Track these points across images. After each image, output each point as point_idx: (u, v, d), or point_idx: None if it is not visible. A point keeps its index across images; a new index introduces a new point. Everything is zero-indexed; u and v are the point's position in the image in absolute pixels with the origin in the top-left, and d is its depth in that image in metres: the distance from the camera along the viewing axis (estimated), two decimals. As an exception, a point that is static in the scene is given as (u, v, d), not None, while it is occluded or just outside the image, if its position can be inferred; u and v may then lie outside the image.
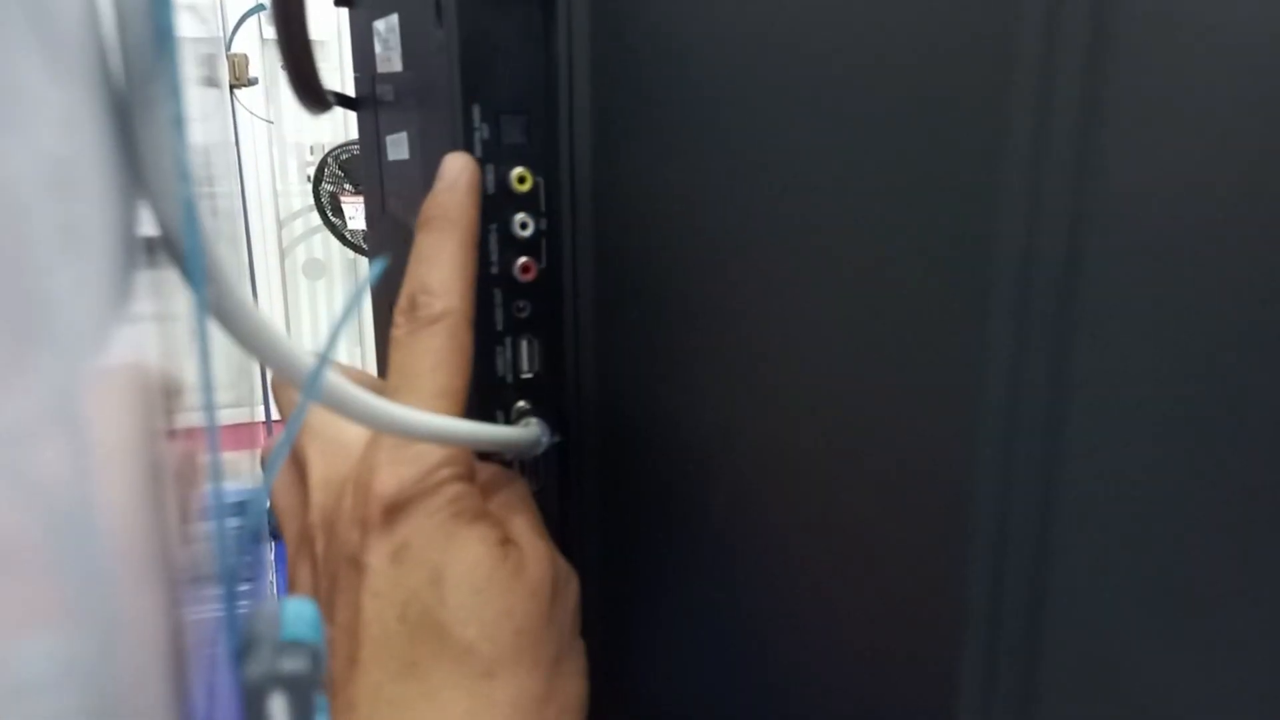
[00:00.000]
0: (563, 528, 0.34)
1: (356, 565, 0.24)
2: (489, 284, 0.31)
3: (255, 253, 1.98)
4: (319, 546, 0.26)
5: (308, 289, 2.10)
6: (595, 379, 0.32)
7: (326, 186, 2.03)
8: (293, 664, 0.13)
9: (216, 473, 0.16)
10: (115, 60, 0.11)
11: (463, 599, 0.24)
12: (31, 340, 0.13)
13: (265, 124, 1.76)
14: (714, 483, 0.26)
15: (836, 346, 0.20)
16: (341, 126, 2.03)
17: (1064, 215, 0.14)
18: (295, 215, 2.07)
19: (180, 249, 0.13)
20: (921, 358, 0.17)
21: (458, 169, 0.28)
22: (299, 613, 0.14)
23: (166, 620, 0.17)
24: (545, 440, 0.30)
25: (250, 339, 0.15)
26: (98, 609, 0.13)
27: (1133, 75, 0.14)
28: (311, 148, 2.05)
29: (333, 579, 0.25)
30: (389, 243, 0.43)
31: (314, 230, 2.06)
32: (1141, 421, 0.14)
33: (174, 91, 0.11)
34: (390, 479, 0.25)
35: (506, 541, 0.26)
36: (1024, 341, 0.15)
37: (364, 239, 1.85)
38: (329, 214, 1.95)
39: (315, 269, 2.09)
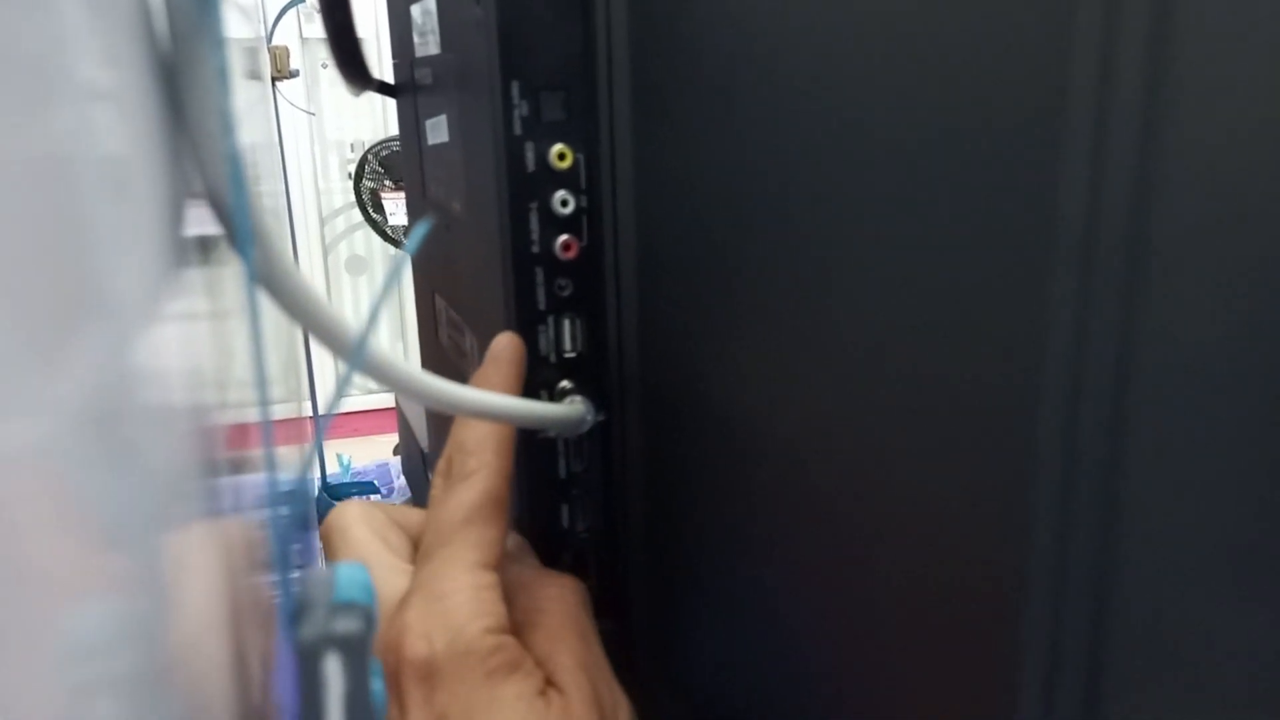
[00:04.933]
0: (607, 507, 0.34)
1: None
2: (530, 263, 0.31)
3: (299, 249, 2.01)
4: None
5: (350, 285, 2.13)
6: (638, 357, 0.32)
7: (367, 183, 2.05)
8: (346, 625, 0.13)
9: (271, 461, 0.16)
10: (160, 18, 0.11)
11: None
12: (82, 312, 0.13)
13: (306, 116, 1.78)
14: (760, 459, 0.26)
15: (888, 320, 0.19)
16: (381, 123, 2.04)
17: (1126, 193, 0.14)
18: (337, 212, 2.09)
19: (226, 209, 0.13)
20: (982, 323, 0.17)
21: (503, 344, 0.29)
22: (352, 577, 0.14)
23: (225, 588, 0.17)
24: (590, 419, 0.30)
25: (296, 306, 0.15)
26: (154, 573, 0.13)
27: (1195, 56, 0.13)
28: (352, 145, 2.07)
29: None
30: (431, 230, 0.43)
31: (355, 227, 2.08)
32: (1209, 403, 0.14)
33: (218, 45, 0.11)
34: (420, 642, 0.24)
35: (547, 688, 0.25)
36: (1089, 298, 0.15)
37: (404, 234, 1.87)
38: (370, 210, 1.96)
39: (358, 265, 2.12)
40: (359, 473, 1.03)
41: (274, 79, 1.50)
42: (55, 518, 0.12)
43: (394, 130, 1.94)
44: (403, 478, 0.96)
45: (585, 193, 0.30)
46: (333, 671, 0.12)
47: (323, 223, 2.08)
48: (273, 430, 0.16)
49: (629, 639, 0.34)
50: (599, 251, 0.31)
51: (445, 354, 0.45)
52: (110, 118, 0.12)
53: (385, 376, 0.19)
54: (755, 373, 0.25)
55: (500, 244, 0.31)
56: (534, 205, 0.30)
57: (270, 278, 0.15)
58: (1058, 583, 0.16)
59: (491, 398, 0.24)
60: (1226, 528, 0.14)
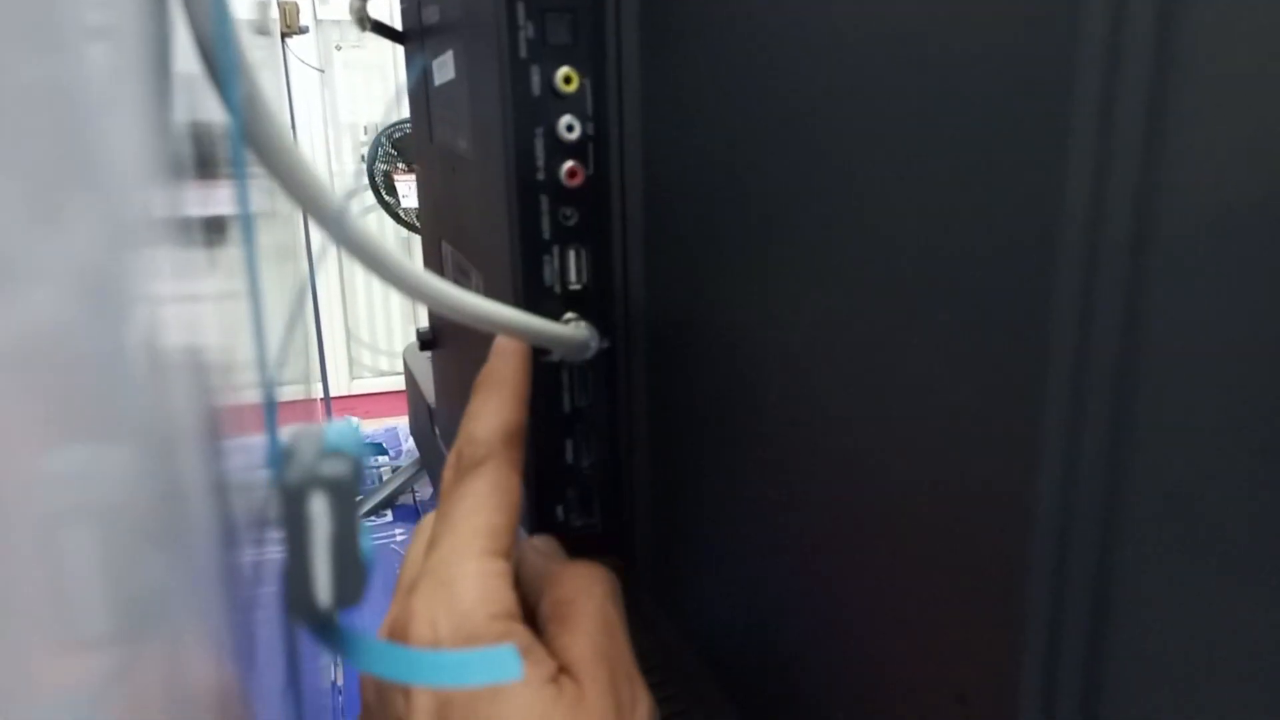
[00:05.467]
0: (612, 443, 0.33)
1: None
2: (535, 190, 0.30)
3: (312, 232, 2.01)
4: (371, 703, 0.25)
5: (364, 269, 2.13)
6: (644, 289, 0.32)
7: (380, 165, 2.05)
8: (333, 467, 0.12)
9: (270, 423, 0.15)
10: None
11: None
12: (80, 176, 0.13)
13: (320, 95, 1.78)
14: (767, 391, 0.25)
15: (900, 246, 0.19)
16: (394, 106, 2.04)
17: (1131, 189, 0.14)
18: (350, 195, 2.09)
19: (213, 55, 0.13)
20: (992, 235, 0.16)
21: (508, 341, 0.29)
22: (340, 430, 0.13)
23: (214, 459, 0.16)
24: (594, 345, 0.30)
25: (282, 169, 0.15)
26: (141, 423, 0.13)
27: (1199, 62, 0.13)
28: (365, 128, 2.07)
29: None
30: (437, 174, 0.43)
31: (368, 209, 2.09)
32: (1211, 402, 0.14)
33: None
34: (425, 628, 0.24)
35: (560, 675, 0.24)
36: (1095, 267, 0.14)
37: (416, 216, 1.87)
38: (382, 193, 1.96)
39: (370, 248, 2.12)
40: (367, 436, 1.03)
41: (283, 35, 1.49)
42: (50, 369, 0.12)
43: (406, 114, 1.94)
44: (411, 440, 0.96)
45: (592, 119, 0.30)
46: (318, 512, 0.12)
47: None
48: (276, 411, 0.16)
49: (634, 575, 0.34)
50: (605, 180, 0.31)
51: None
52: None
53: (362, 253, 0.19)
54: (764, 303, 0.25)
55: (505, 171, 0.30)
56: (539, 131, 0.30)
57: (258, 139, 0.15)
58: (1065, 502, 0.16)
59: (496, 306, 0.24)
60: (1228, 517, 0.13)
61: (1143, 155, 0.14)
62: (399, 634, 0.25)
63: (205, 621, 0.15)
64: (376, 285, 2.14)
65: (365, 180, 1.98)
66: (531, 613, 0.27)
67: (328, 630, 0.14)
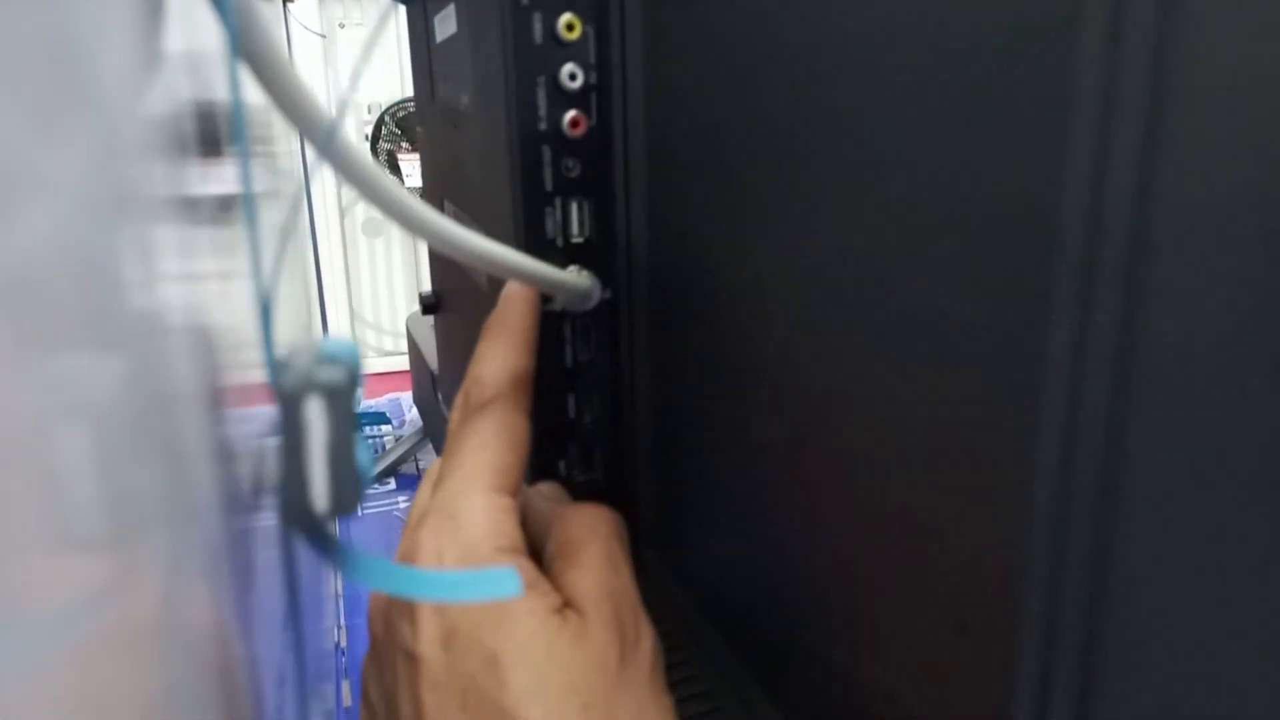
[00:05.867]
0: (614, 398, 0.33)
1: (410, 657, 0.24)
2: (537, 141, 0.30)
3: (316, 212, 2.01)
4: (379, 635, 0.25)
5: (367, 246, 2.13)
6: (647, 242, 0.31)
7: (384, 144, 2.04)
8: (329, 373, 0.12)
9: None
10: None
11: (522, 679, 0.22)
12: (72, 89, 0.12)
13: (318, 37, 1.76)
14: (772, 347, 0.25)
15: (910, 202, 0.19)
16: (398, 85, 2.04)
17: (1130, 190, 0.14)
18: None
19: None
20: (1002, 186, 0.16)
21: (516, 287, 0.29)
22: (338, 340, 0.13)
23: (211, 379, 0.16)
24: (596, 294, 0.30)
25: (275, 84, 0.15)
26: (140, 332, 0.13)
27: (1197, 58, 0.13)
28: (369, 107, 2.06)
29: (393, 672, 0.24)
30: (439, 133, 0.43)
31: (372, 189, 2.08)
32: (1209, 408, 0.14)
33: None
34: (431, 559, 0.24)
35: (564, 608, 0.24)
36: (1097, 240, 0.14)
37: (420, 195, 1.87)
38: (387, 173, 1.96)
39: (374, 227, 2.12)
40: (370, 406, 1.03)
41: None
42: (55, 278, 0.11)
43: (410, 92, 1.93)
44: (414, 409, 0.96)
45: (595, 68, 0.30)
46: (314, 415, 0.12)
47: (339, 185, 2.08)
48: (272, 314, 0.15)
49: (635, 530, 0.34)
50: (608, 130, 0.31)
51: (454, 266, 0.44)
52: None
53: (350, 172, 0.18)
54: (769, 254, 0.25)
55: (506, 122, 0.30)
56: (541, 79, 0.29)
57: (251, 49, 0.14)
58: (1070, 423, 0.16)
59: (495, 245, 0.24)
60: (1226, 522, 0.13)
61: (1140, 154, 0.14)
62: (406, 563, 0.25)
63: (201, 539, 0.14)
64: (380, 265, 2.14)
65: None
66: (538, 555, 0.27)
67: (324, 541, 0.14)
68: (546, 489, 0.31)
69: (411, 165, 1.97)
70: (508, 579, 0.21)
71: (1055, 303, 0.15)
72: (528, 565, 0.25)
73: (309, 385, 0.12)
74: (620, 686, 0.24)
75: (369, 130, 2.05)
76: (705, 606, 0.31)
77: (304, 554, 0.17)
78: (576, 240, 0.31)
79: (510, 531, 0.25)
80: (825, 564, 0.24)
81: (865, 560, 0.22)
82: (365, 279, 2.13)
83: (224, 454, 0.16)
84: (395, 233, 2.13)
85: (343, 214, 2.09)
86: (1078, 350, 0.15)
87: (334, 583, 0.66)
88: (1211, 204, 0.13)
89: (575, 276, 0.29)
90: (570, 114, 0.30)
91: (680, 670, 0.30)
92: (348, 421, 0.12)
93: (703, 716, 0.28)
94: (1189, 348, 0.14)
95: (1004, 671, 0.17)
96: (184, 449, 0.14)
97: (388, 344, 2.12)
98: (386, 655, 0.25)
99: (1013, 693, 0.17)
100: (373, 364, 2.05)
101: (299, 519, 0.13)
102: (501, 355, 0.28)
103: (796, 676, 0.26)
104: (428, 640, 0.23)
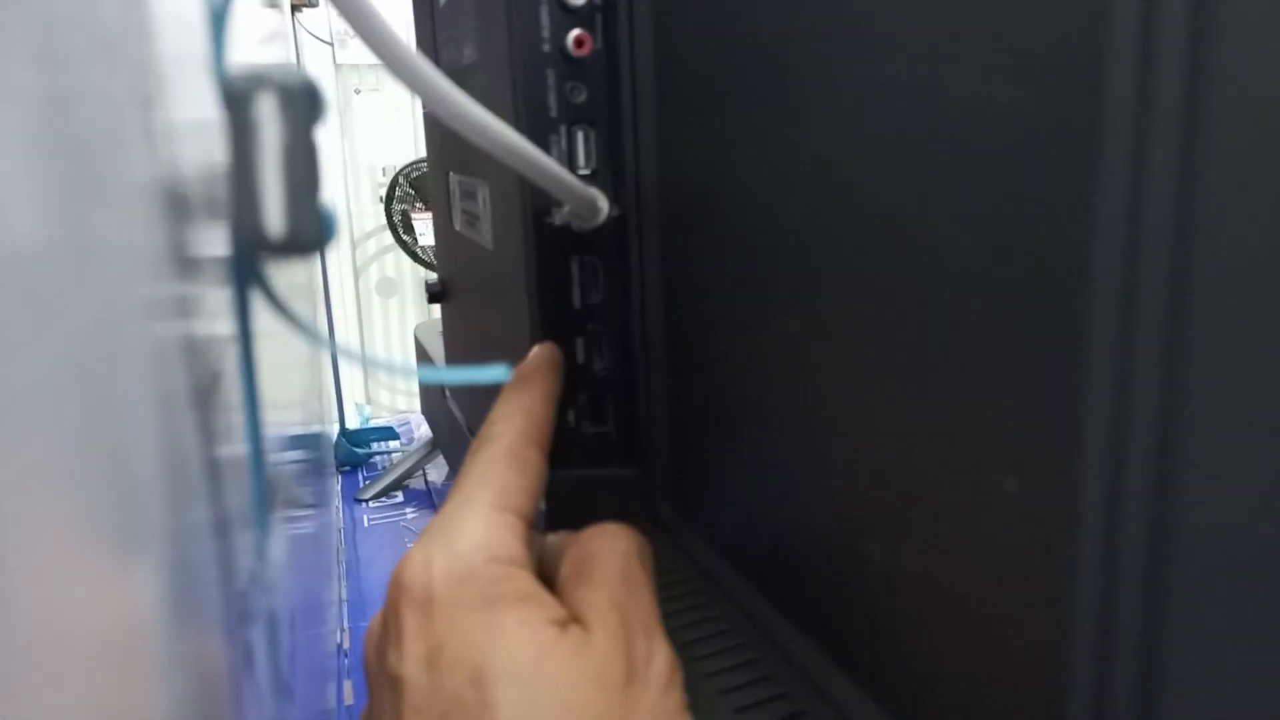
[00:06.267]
0: (625, 342, 0.31)
1: (394, 682, 0.22)
2: (540, 64, 0.29)
3: (330, 273, 2.02)
4: (372, 668, 0.24)
5: (381, 307, 2.13)
6: (656, 172, 0.30)
7: (398, 205, 2.06)
8: (285, 75, 0.10)
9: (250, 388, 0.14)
10: None
11: (509, 695, 0.20)
12: None
13: (327, 46, 1.78)
14: (790, 282, 0.23)
15: (928, 125, 0.17)
16: (411, 148, 2.06)
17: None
18: (368, 235, 2.10)
19: None
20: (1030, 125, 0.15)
21: (540, 349, 0.29)
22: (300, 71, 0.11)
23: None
24: (604, 208, 0.28)
25: None
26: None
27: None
28: (384, 169, 2.09)
29: (380, 704, 0.22)
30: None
31: (386, 249, 2.09)
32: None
33: None
34: (417, 569, 0.22)
35: (567, 622, 0.22)
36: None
37: (433, 254, 1.87)
38: (400, 232, 1.97)
39: (388, 287, 2.12)
40: (377, 423, 1.01)
41: (293, 7, 1.49)
42: None
43: (424, 153, 1.95)
44: (423, 427, 0.94)
45: (599, -16, 0.29)
46: (268, 117, 0.10)
47: (354, 246, 2.10)
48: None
49: (649, 483, 0.31)
50: (614, 52, 0.29)
51: (460, 240, 0.43)
52: None
53: (349, 12, 0.17)
54: (786, 181, 0.23)
55: (509, 43, 0.29)
56: (544, -5, 0.28)
57: None
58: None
59: (502, 126, 0.22)
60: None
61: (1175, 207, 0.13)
62: (393, 582, 0.23)
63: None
64: (395, 325, 2.14)
65: (383, 220, 1.99)
66: (553, 585, 0.25)
67: (276, 293, 0.12)
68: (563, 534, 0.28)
69: (425, 224, 1.98)
70: (498, 370, 0.19)
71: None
72: (524, 577, 0.23)
73: (262, 83, 0.10)
74: (625, 707, 0.21)
75: (383, 192, 2.07)
76: (730, 555, 0.28)
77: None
78: (583, 173, 0.30)
79: (508, 545, 0.23)
80: (851, 521, 0.22)
81: (895, 519, 0.20)
82: (379, 339, 2.13)
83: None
84: (409, 292, 2.13)
85: (357, 275, 2.10)
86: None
87: (338, 589, 0.64)
88: None
89: (585, 186, 0.27)
90: (575, 33, 0.28)
91: (706, 627, 0.27)
92: (306, 138, 0.11)
93: (737, 669, 0.25)
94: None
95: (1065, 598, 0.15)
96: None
97: (401, 403, 2.10)
98: (375, 688, 0.23)
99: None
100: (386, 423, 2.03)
101: (255, 247, 0.11)
102: (515, 404, 0.27)
103: (831, 612, 0.23)
104: (411, 660, 0.21)
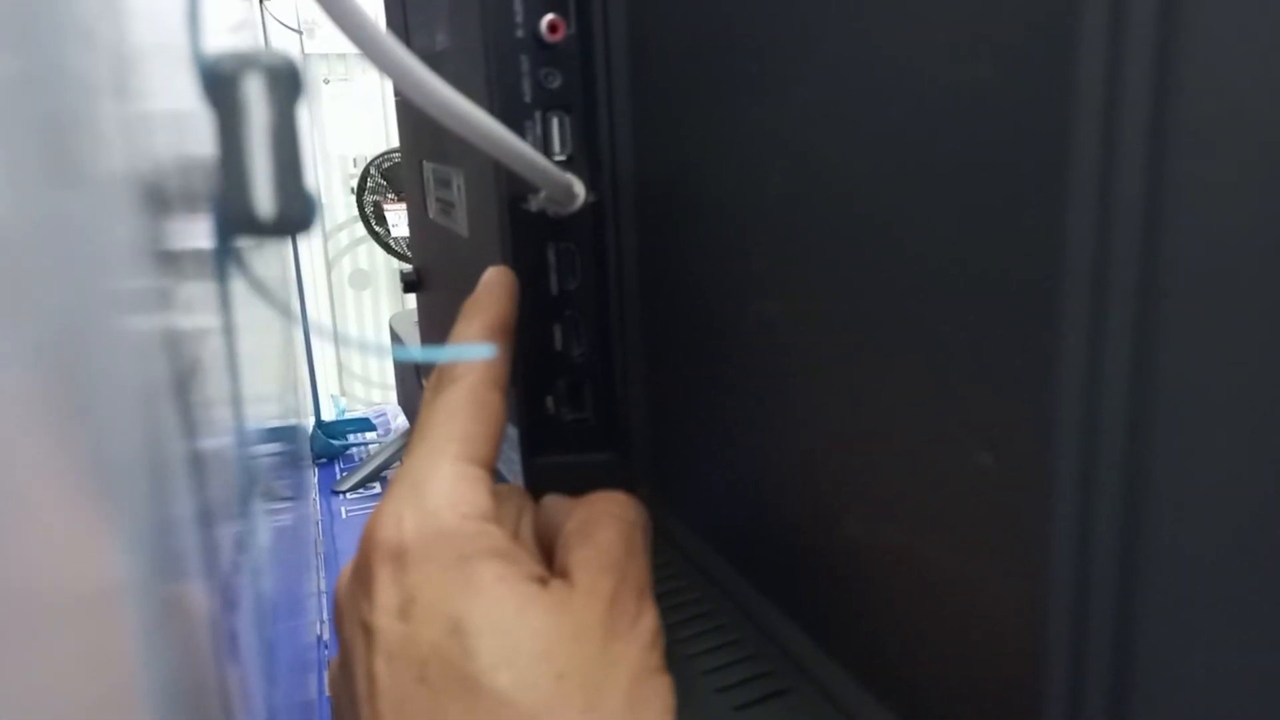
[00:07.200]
0: (602, 328, 0.31)
1: (365, 630, 0.22)
2: (514, 49, 0.29)
3: (302, 265, 2.00)
4: (343, 622, 0.24)
5: (354, 299, 2.12)
6: (633, 159, 0.30)
7: (369, 196, 2.05)
8: (271, 57, 0.10)
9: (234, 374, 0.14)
10: None
11: (489, 644, 0.20)
12: None
13: (295, 34, 1.75)
14: (766, 263, 0.23)
15: (907, 103, 0.17)
16: (383, 137, 2.05)
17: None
18: (340, 227, 2.09)
19: None
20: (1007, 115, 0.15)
21: (495, 272, 0.29)
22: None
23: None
24: (580, 194, 0.28)
25: None
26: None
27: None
28: (354, 160, 2.07)
29: (351, 653, 0.22)
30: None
31: (359, 241, 2.08)
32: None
33: None
34: (389, 524, 0.22)
35: (544, 578, 0.22)
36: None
37: (406, 246, 1.86)
38: (372, 223, 1.96)
39: (361, 279, 2.11)
40: (354, 413, 1.01)
41: None
42: None
43: (395, 143, 1.94)
44: (399, 418, 0.94)
45: (572, -32, 0.29)
46: (255, 98, 0.10)
47: (325, 238, 2.08)
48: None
49: (628, 468, 0.31)
50: (589, 36, 0.29)
51: (435, 228, 0.42)
52: None
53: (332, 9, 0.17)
54: (760, 167, 0.23)
55: (481, 27, 0.29)
56: (516, -21, 0.28)
57: None
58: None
59: (477, 110, 0.22)
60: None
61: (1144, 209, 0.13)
62: (365, 537, 0.23)
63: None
64: (369, 317, 2.12)
65: (355, 211, 1.98)
66: (549, 550, 0.25)
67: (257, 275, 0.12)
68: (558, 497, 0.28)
69: (398, 215, 1.97)
70: (480, 348, 0.19)
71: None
72: (498, 534, 0.23)
73: (248, 64, 0.10)
74: (605, 661, 0.21)
75: (354, 183, 2.05)
76: (711, 538, 0.29)
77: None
78: (559, 159, 0.30)
79: (478, 500, 0.23)
80: (828, 500, 0.22)
81: (872, 499, 0.20)
82: (353, 331, 2.11)
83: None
84: (382, 284, 2.12)
85: (329, 267, 2.09)
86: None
87: (318, 580, 0.63)
88: None
89: (560, 172, 0.27)
90: (548, 17, 0.28)
91: (689, 609, 0.28)
92: (292, 119, 0.11)
93: (719, 649, 0.26)
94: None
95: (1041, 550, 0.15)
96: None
97: (376, 396, 2.09)
98: (346, 638, 0.23)
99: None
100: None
101: (242, 228, 0.11)
102: (476, 334, 0.27)
103: (811, 591, 0.24)
104: (383, 610, 0.21)
